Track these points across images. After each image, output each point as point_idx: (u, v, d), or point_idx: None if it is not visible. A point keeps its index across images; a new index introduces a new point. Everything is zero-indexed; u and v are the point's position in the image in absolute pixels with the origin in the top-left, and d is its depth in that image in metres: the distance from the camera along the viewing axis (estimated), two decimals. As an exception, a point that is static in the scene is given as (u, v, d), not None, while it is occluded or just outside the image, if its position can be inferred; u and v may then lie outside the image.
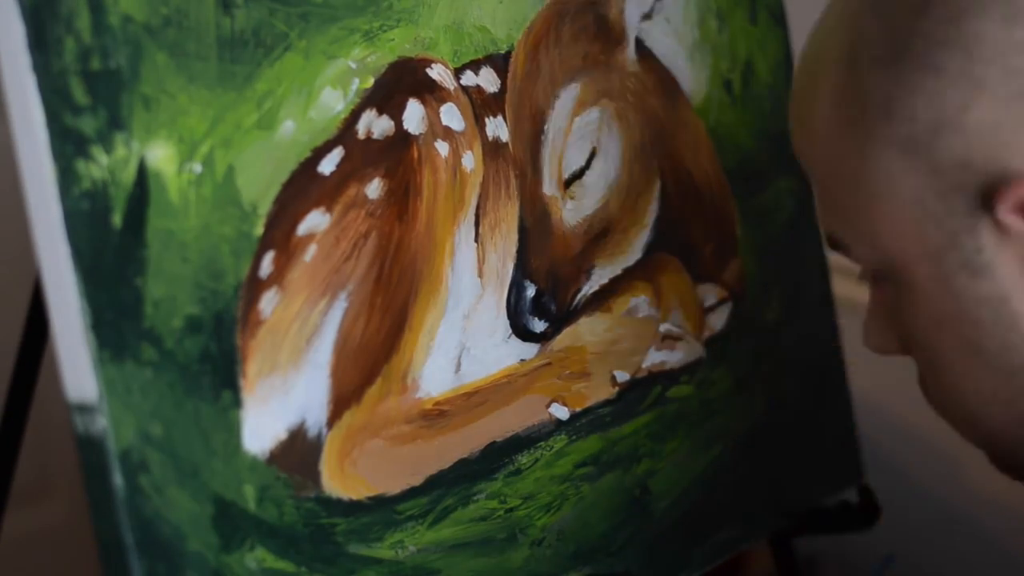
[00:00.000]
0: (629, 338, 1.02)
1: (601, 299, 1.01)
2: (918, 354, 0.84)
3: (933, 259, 0.79)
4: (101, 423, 0.76)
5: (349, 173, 0.87)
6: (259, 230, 0.83)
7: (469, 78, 0.93)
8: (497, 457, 0.95)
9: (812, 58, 0.84)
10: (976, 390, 0.81)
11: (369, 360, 0.88)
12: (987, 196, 0.76)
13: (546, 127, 0.97)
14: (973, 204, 0.77)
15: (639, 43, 1.02)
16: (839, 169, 0.82)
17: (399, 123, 0.89)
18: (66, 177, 0.75)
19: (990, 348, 0.79)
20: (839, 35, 0.82)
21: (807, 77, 0.84)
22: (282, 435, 0.84)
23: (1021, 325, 0.77)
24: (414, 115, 0.90)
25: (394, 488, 0.89)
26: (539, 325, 0.97)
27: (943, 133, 0.77)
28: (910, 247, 0.79)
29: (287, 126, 0.84)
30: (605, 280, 1.01)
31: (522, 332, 0.96)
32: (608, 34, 1.00)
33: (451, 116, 0.92)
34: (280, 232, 0.84)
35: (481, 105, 0.93)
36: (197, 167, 0.80)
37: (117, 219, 0.77)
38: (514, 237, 0.95)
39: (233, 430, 0.81)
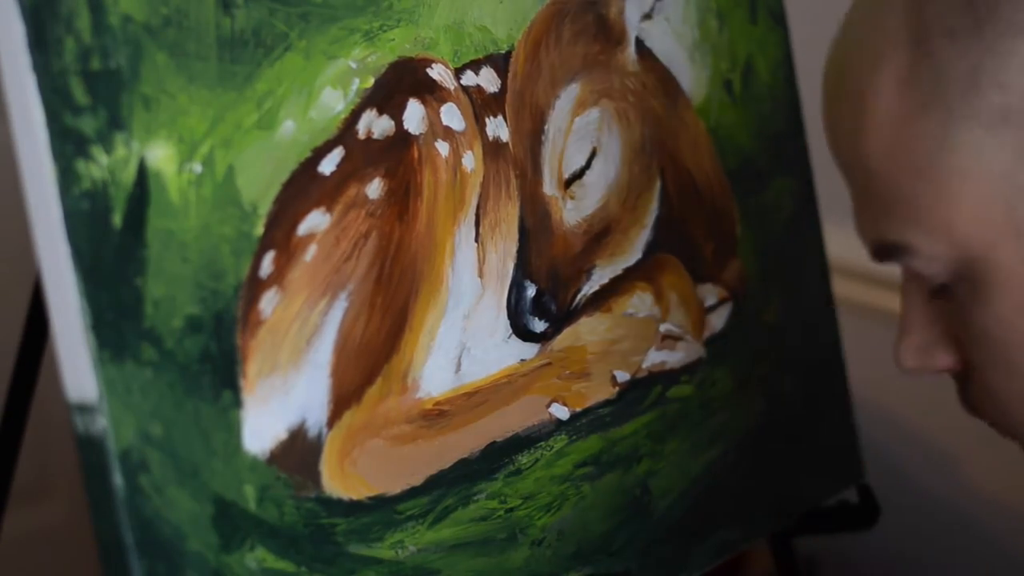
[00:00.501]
0: (629, 338, 1.02)
1: (601, 299, 1.01)
2: (984, 355, 0.80)
3: (1022, 236, 0.76)
4: (101, 423, 0.76)
5: (349, 173, 0.87)
6: (259, 230, 0.83)
7: (469, 78, 0.93)
8: (497, 457, 0.95)
9: (854, 54, 0.81)
10: None
11: (369, 360, 0.88)
12: None
13: (546, 127, 0.97)
14: None
15: (639, 43, 1.02)
16: (908, 160, 0.78)
17: (399, 123, 0.89)
18: (66, 177, 0.75)
19: None
20: (891, 20, 0.78)
21: (851, 75, 0.81)
22: (282, 435, 0.84)
23: None
24: (414, 115, 0.90)
25: (394, 488, 0.89)
26: (539, 325, 0.97)
27: None
28: (995, 227, 0.76)
29: (287, 126, 0.84)
30: (605, 280, 1.01)
31: (522, 332, 0.96)
32: (608, 34, 1.00)
33: (451, 116, 0.92)
34: (280, 232, 0.83)
35: (481, 105, 0.93)
36: (197, 167, 0.80)
37: (117, 219, 0.77)
38: (514, 237, 0.95)
39: (233, 430, 0.81)
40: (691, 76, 1.05)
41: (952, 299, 0.80)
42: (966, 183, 0.77)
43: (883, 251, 0.81)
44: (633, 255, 1.02)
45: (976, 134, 0.76)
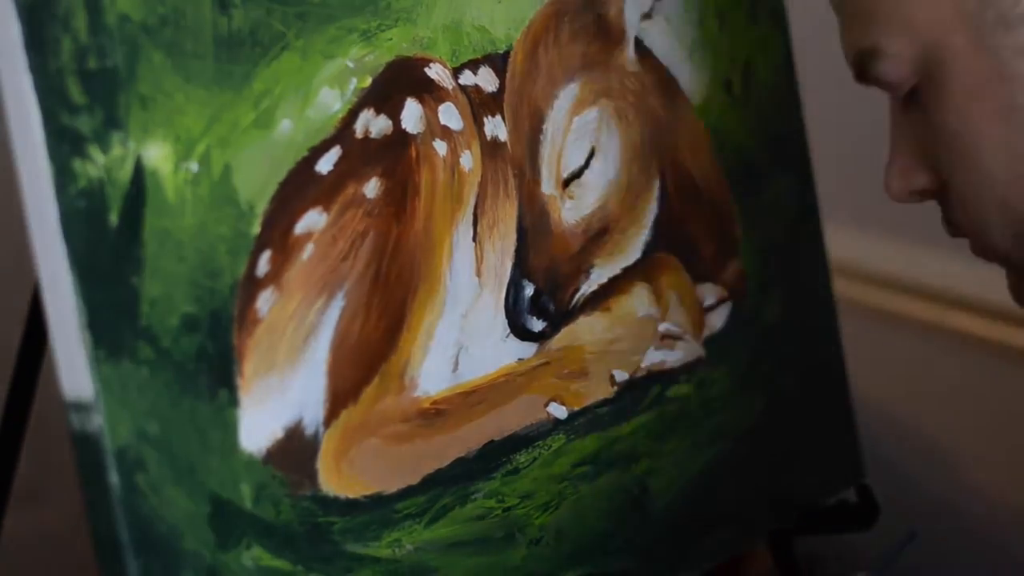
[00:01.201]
0: (628, 337, 1.02)
1: (600, 298, 1.01)
2: (948, 156, 0.84)
3: (969, 21, 0.80)
4: (97, 421, 0.76)
5: (347, 172, 0.87)
6: (256, 229, 0.83)
7: (467, 78, 0.93)
8: (495, 456, 0.95)
9: None
10: (1008, 164, 0.82)
11: (366, 359, 0.88)
12: None
13: (545, 126, 0.97)
14: None
15: (639, 43, 1.02)
16: None
17: (397, 122, 0.89)
18: (62, 176, 0.75)
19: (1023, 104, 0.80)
20: None
21: None
22: (279, 434, 0.84)
23: None
24: (412, 114, 0.90)
25: (391, 487, 0.89)
26: (537, 324, 0.97)
27: None
28: (946, 15, 0.81)
29: (284, 125, 0.84)
30: (604, 279, 1.01)
31: (520, 331, 0.96)
32: (607, 34, 1.00)
33: (449, 115, 0.92)
34: (277, 231, 0.84)
35: (479, 105, 0.94)
36: (194, 166, 0.80)
37: (113, 218, 0.77)
38: (512, 236, 0.95)
39: (230, 429, 0.82)
40: (691, 76, 1.05)
41: (920, 105, 0.85)
42: None
43: (860, 63, 0.86)
44: (632, 255, 1.02)
45: None
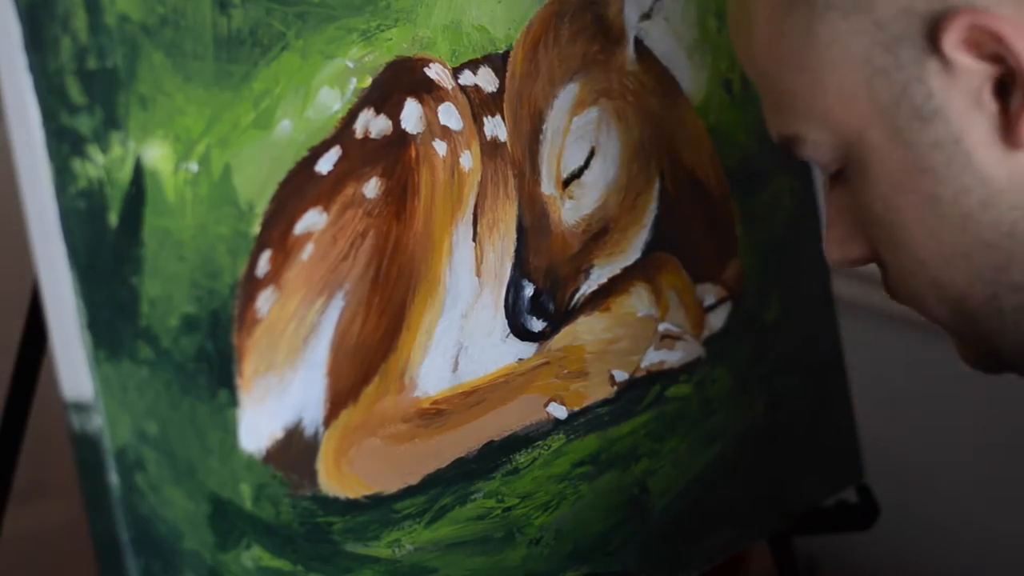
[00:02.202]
0: (628, 337, 1.02)
1: (600, 298, 1.01)
2: (879, 237, 0.84)
3: (885, 116, 0.80)
4: (97, 421, 0.76)
5: (346, 172, 0.87)
6: (256, 229, 0.83)
7: (467, 78, 0.93)
8: (495, 456, 0.95)
9: None
10: (936, 250, 0.82)
11: (366, 359, 0.88)
12: (932, 36, 0.78)
13: (545, 126, 0.97)
14: (919, 49, 0.78)
15: (638, 43, 1.02)
16: (784, 54, 0.83)
17: (397, 122, 0.89)
18: (62, 176, 0.75)
19: (945, 195, 0.80)
20: None
21: None
22: (278, 434, 0.84)
23: (973, 163, 0.79)
24: (412, 114, 0.90)
25: (391, 487, 0.89)
26: (537, 324, 0.97)
27: None
28: (862, 111, 0.81)
29: (284, 125, 0.84)
30: (604, 279, 1.01)
31: (520, 331, 0.96)
32: (607, 34, 1.00)
33: (449, 115, 0.92)
34: (277, 231, 0.84)
35: (479, 105, 0.94)
36: (193, 166, 0.80)
37: (113, 218, 0.77)
38: (512, 236, 0.95)
39: (229, 429, 0.82)
40: (690, 76, 1.05)
41: (848, 185, 0.85)
42: (834, 72, 0.81)
43: (783, 144, 0.86)
44: (632, 254, 1.02)
45: (835, 24, 0.81)
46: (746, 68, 0.88)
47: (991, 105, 0.78)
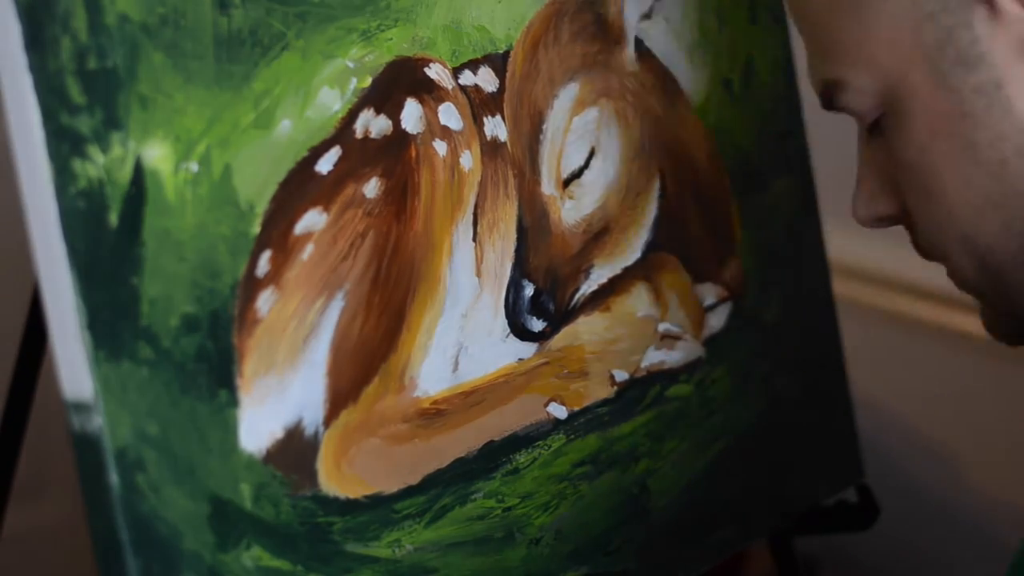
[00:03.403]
0: (628, 337, 1.02)
1: (600, 298, 1.01)
2: (911, 188, 0.85)
3: (930, 60, 0.82)
4: (97, 422, 0.76)
5: (346, 172, 0.87)
6: (256, 229, 0.83)
7: (467, 78, 0.93)
8: (495, 456, 0.95)
9: None
10: (968, 199, 0.83)
11: (366, 359, 0.88)
12: None
13: (545, 126, 0.97)
14: None
15: (638, 43, 1.02)
16: (835, 1, 0.85)
17: (397, 122, 0.89)
18: (62, 176, 0.75)
19: (983, 140, 0.81)
20: None
21: None
22: (279, 434, 0.84)
23: (1013, 111, 0.81)
24: (412, 114, 0.90)
25: (391, 487, 0.89)
26: (537, 324, 0.97)
27: None
28: (908, 54, 0.82)
29: (284, 125, 0.84)
30: (604, 279, 1.01)
31: (520, 331, 0.96)
32: (607, 34, 1.00)
33: (449, 115, 0.92)
34: (277, 231, 0.84)
35: (479, 105, 0.94)
36: (194, 166, 0.80)
37: (113, 218, 0.77)
38: (512, 236, 0.95)
39: (229, 429, 0.82)
40: (691, 76, 1.05)
41: (884, 136, 0.86)
42: (881, 15, 0.83)
43: (826, 94, 0.87)
44: (632, 254, 1.02)
45: None
46: (793, 14, 0.89)
47: None
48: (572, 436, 0.99)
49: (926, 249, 0.87)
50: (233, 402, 0.82)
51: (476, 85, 0.94)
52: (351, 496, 0.87)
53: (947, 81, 0.81)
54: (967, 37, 0.80)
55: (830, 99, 0.87)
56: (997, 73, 0.80)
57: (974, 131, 0.81)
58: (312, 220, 0.85)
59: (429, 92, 0.91)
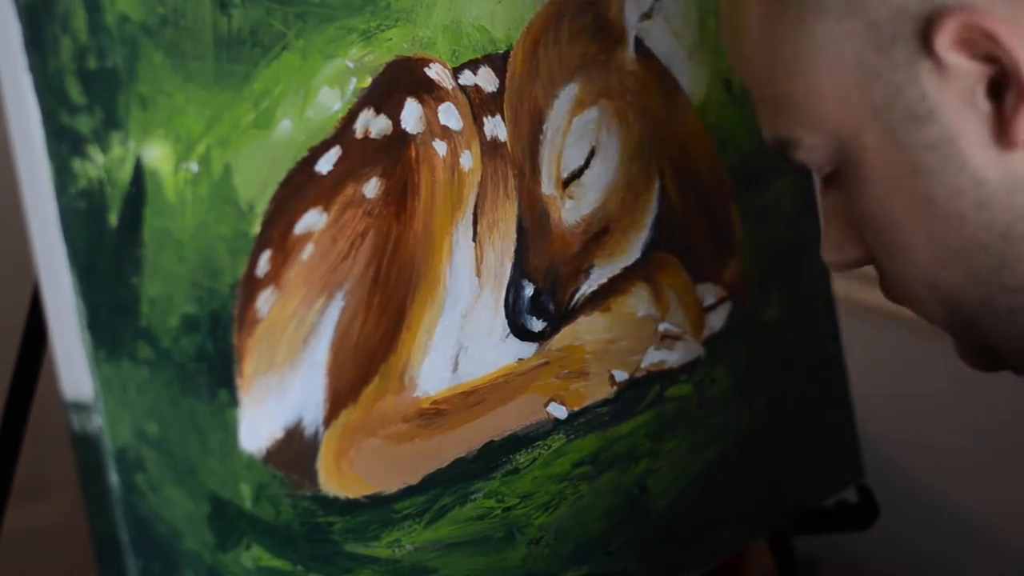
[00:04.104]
0: (628, 337, 1.02)
1: (600, 298, 1.01)
2: (875, 239, 0.85)
3: (880, 117, 0.80)
4: (97, 421, 0.76)
5: (346, 172, 0.87)
6: (256, 229, 0.83)
7: (467, 77, 0.93)
8: (495, 456, 0.95)
9: None
10: (931, 251, 0.82)
11: (366, 359, 0.88)
12: (925, 37, 0.78)
13: (545, 126, 0.97)
14: (913, 50, 0.78)
15: (638, 42, 1.02)
16: (777, 58, 0.83)
17: (397, 122, 0.89)
18: (62, 176, 0.75)
19: (939, 195, 0.80)
20: None
21: None
22: (278, 434, 0.84)
23: (967, 164, 0.79)
24: (412, 114, 0.90)
25: (391, 487, 0.89)
26: (537, 324, 0.97)
27: None
28: (857, 112, 0.81)
29: (284, 125, 0.84)
30: (604, 279, 1.01)
31: (520, 331, 0.96)
32: (607, 33, 1.00)
33: (449, 115, 0.92)
34: (277, 231, 0.84)
35: (479, 105, 0.94)
36: (194, 166, 0.80)
37: (113, 218, 0.77)
38: (512, 236, 0.95)
39: (229, 429, 0.82)
40: (690, 75, 1.05)
41: (842, 188, 0.85)
42: (827, 75, 0.81)
43: (777, 147, 0.87)
44: (632, 255, 1.02)
45: (828, 26, 0.80)
46: (739, 72, 0.88)
47: (984, 105, 0.78)
48: (572, 436, 0.99)
49: (895, 294, 0.86)
50: (233, 402, 0.82)
51: (476, 85, 0.94)
52: (351, 496, 0.87)
53: (898, 138, 0.80)
54: (915, 93, 0.79)
55: (784, 154, 0.86)
56: (948, 127, 0.79)
57: (929, 187, 0.80)
58: (312, 220, 0.85)
59: (429, 92, 0.91)
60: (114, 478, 0.77)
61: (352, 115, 0.87)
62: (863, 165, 0.82)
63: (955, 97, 0.78)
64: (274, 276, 0.83)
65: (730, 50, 0.88)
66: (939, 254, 0.82)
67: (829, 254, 0.89)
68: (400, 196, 0.89)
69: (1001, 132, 0.78)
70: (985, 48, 0.77)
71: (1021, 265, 0.80)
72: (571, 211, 0.99)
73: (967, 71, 0.78)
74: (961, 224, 0.80)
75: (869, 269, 0.88)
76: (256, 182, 0.83)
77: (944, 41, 0.77)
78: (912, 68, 0.79)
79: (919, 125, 0.79)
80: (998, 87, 0.77)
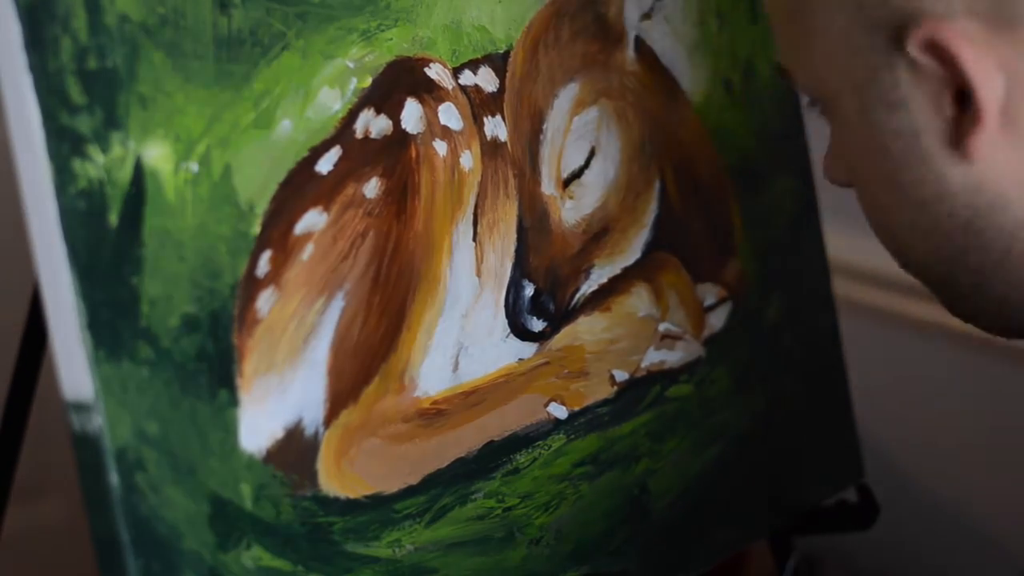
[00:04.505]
0: (628, 337, 1.02)
1: (600, 298, 1.01)
2: (856, 184, 0.86)
3: (857, 92, 0.81)
4: (97, 422, 0.76)
5: (347, 172, 0.87)
6: (256, 229, 0.83)
7: (467, 77, 0.93)
8: (495, 456, 0.95)
9: None
10: (899, 222, 0.84)
11: (366, 359, 0.88)
12: (899, 34, 0.78)
13: (545, 126, 0.97)
14: (891, 39, 0.79)
15: (639, 42, 1.02)
16: (785, 6, 0.85)
17: (397, 122, 0.89)
18: (62, 176, 0.75)
19: (904, 181, 0.81)
20: None
21: None
22: (279, 434, 0.84)
23: (931, 160, 0.80)
24: (412, 114, 0.90)
25: (391, 487, 0.89)
26: (537, 324, 0.97)
27: None
28: (839, 79, 0.82)
29: (284, 125, 0.84)
30: (604, 279, 1.01)
31: (520, 331, 0.96)
32: (607, 33, 1.00)
33: (449, 115, 0.92)
34: (277, 231, 0.84)
35: (479, 105, 0.94)
36: (194, 166, 0.80)
37: (113, 218, 0.77)
38: (513, 236, 0.95)
39: (230, 429, 0.82)
40: (691, 75, 1.05)
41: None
42: (818, 37, 0.82)
43: (780, 71, 0.88)
44: (632, 254, 1.02)
45: None
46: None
47: (949, 110, 0.78)
48: (572, 436, 0.99)
49: (875, 231, 0.88)
50: (233, 402, 0.82)
51: (476, 85, 0.94)
52: (351, 496, 0.87)
53: (870, 116, 0.81)
54: (889, 80, 0.80)
55: (784, 76, 0.88)
56: (915, 121, 0.79)
57: (896, 171, 0.81)
58: (312, 220, 0.85)
59: (429, 92, 0.91)
60: (114, 478, 0.77)
61: (352, 115, 0.87)
62: (843, 127, 0.84)
63: (925, 95, 0.79)
64: (274, 276, 0.84)
65: None
66: (904, 227, 0.83)
67: (825, 167, 0.90)
68: (400, 196, 0.89)
69: (957, 142, 0.79)
70: (951, 61, 0.77)
71: (983, 253, 0.81)
72: (571, 211, 0.99)
73: (936, 75, 0.78)
74: (924, 208, 0.81)
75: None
76: (256, 182, 0.83)
77: (914, 44, 0.78)
78: (888, 56, 0.79)
79: (890, 111, 0.80)
80: (964, 96, 0.78)
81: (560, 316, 0.98)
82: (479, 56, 0.94)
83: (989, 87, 0.77)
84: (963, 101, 0.78)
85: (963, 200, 0.80)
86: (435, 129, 0.91)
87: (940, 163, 0.80)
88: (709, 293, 1.07)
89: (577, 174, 0.99)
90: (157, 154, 0.79)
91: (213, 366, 0.81)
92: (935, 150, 0.80)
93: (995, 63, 0.77)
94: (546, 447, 0.97)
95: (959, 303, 0.86)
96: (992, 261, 0.81)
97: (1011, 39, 0.76)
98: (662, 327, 1.04)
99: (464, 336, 0.93)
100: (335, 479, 0.87)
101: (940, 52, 0.77)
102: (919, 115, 0.79)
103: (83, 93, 0.76)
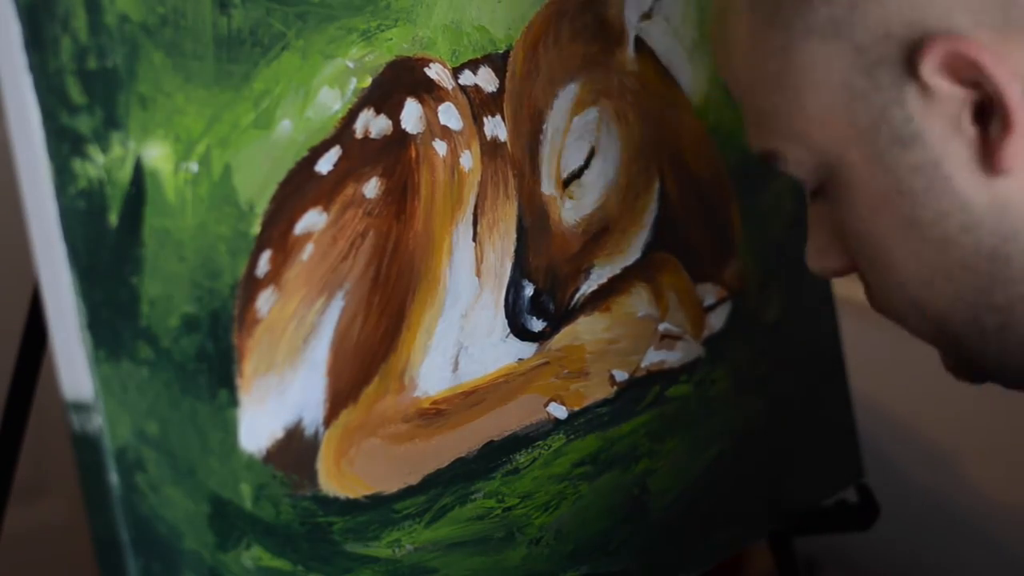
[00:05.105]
0: (628, 337, 1.02)
1: (600, 298, 1.01)
2: (859, 254, 0.84)
3: (865, 139, 0.80)
4: (97, 421, 0.76)
5: (346, 172, 0.87)
6: (256, 229, 0.83)
7: (467, 77, 0.93)
8: (495, 456, 0.95)
9: None
10: (916, 271, 0.82)
11: (366, 359, 0.88)
12: (911, 61, 0.77)
13: (545, 126, 0.97)
14: (898, 73, 0.78)
15: (639, 42, 1.02)
16: (764, 73, 0.83)
17: (397, 122, 0.89)
18: (62, 176, 0.75)
19: (925, 218, 0.80)
20: None
21: None
22: (279, 434, 0.84)
23: (953, 188, 0.79)
24: (412, 114, 0.90)
25: (391, 487, 0.89)
26: (537, 324, 0.97)
27: (860, 6, 0.78)
28: (842, 133, 0.81)
29: (284, 125, 0.84)
30: (604, 279, 1.01)
31: (520, 331, 0.96)
32: (607, 33, 1.00)
33: (449, 115, 0.92)
34: (277, 231, 0.84)
35: (479, 105, 0.94)
36: (194, 166, 0.80)
37: (113, 218, 0.77)
38: (512, 236, 0.95)
39: (229, 429, 0.82)
40: (691, 75, 1.05)
41: (828, 200, 0.85)
42: (811, 95, 0.81)
43: (764, 159, 0.86)
44: (632, 254, 1.02)
45: (814, 47, 0.80)
46: (727, 83, 0.87)
47: (970, 130, 0.78)
48: (572, 436, 0.99)
49: (879, 307, 0.86)
50: (233, 402, 0.82)
51: (476, 85, 0.94)
52: (351, 496, 0.87)
53: (884, 160, 0.80)
54: (900, 116, 0.79)
55: (769, 164, 0.86)
56: (933, 151, 0.78)
57: (915, 209, 0.80)
58: (312, 220, 0.85)
59: (429, 92, 0.91)
60: (114, 478, 0.77)
61: (352, 115, 0.87)
62: (848, 184, 0.82)
63: (940, 121, 0.78)
64: (274, 276, 0.84)
65: (719, 60, 0.88)
66: (924, 274, 0.81)
67: (813, 261, 0.89)
68: (400, 196, 0.89)
69: (985, 158, 0.78)
70: (970, 74, 0.76)
71: (1009, 286, 0.80)
72: (571, 211, 0.99)
73: (952, 96, 0.77)
74: (947, 246, 0.80)
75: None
76: (256, 182, 0.83)
77: (929, 67, 0.77)
78: (897, 91, 0.79)
79: (904, 148, 0.79)
80: (983, 112, 0.77)
81: (560, 316, 0.98)
82: (479, 56, 0.94)
83: (1014, 93, 0.76)
84: (981, 117, 0.77)
85: (989, 227, 0.79)
86: (435, 129, 0.91)
87: (964, 189, 0.78)
88: (709, 293, 1.07)
89: (577, 174, 0.99)
90: (157, 154, 0.79)
91: (213, 366, 0.81)
92: (958, 177, 0.78)
93: (1010, 71, 0.76)
94: (546, 447, 0.97)
95: (981, 353, 0.83)
96: (1019, 294, 0.80)
97: (1023, 45, 0.76)
98: (662, 327, 1.04)
99: (464, 336, 0.93)
100: (335, 479, 0.86)
101: (959, 69, 0.76)
102: (937, 144, 0.78)
103: (83, 93, 0.76)
